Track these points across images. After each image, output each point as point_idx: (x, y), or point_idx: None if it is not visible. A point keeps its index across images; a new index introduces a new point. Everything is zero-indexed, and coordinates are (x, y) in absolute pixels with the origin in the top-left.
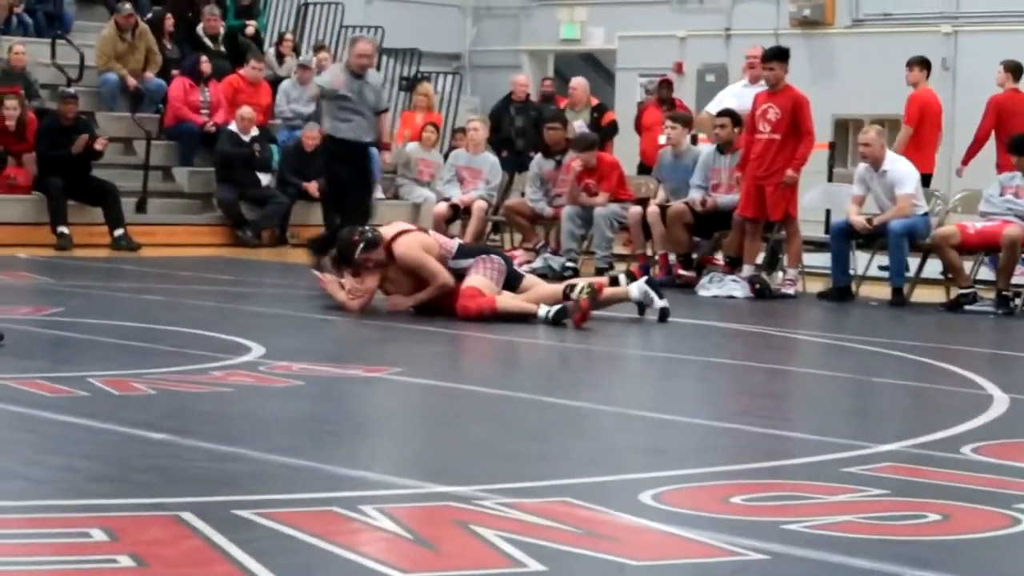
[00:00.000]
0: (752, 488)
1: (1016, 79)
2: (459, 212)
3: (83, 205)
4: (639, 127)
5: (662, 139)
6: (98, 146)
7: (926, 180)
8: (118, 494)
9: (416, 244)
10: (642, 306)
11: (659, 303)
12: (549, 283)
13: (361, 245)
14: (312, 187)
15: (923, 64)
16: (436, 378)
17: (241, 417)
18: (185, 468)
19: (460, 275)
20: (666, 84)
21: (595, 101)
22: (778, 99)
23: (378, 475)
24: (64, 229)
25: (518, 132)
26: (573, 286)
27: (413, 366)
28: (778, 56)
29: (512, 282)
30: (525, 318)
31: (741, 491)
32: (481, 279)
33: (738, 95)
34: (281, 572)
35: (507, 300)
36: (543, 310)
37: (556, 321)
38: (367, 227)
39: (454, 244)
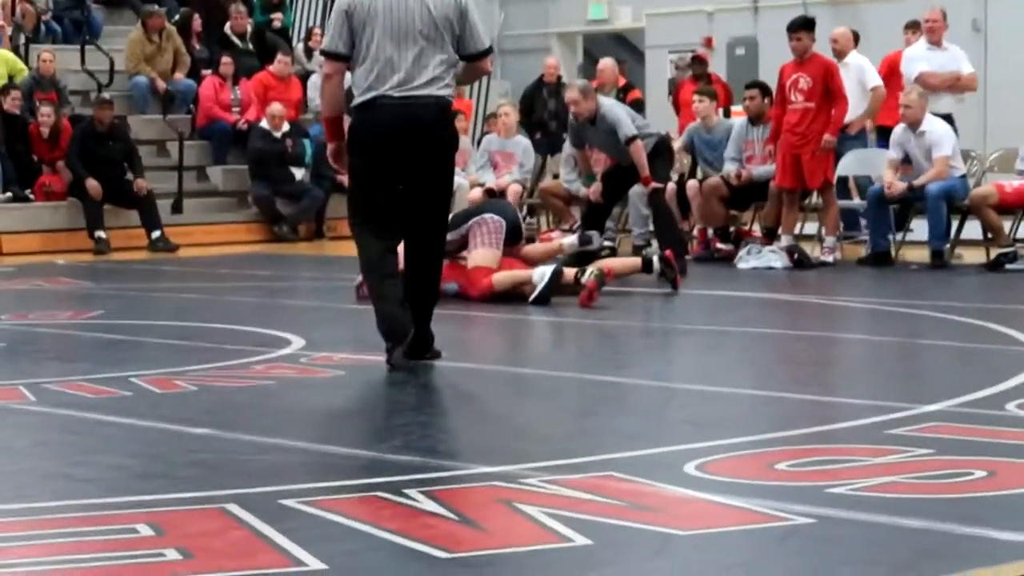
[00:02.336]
0: (796, 454)
1: None
2: (494, 197)
3: (119, 209)
4: (677, 105)
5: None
6: (138, 190)
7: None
8: (163, 489)
9: None
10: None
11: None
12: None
13: None
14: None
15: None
16: (476, 361)
17: (283, 409)
18: (229, 461)
19: (462, 245)
20: (699, 60)
21: (622, 81)
22: (807, 68)
23: (422, 458)
24: (101, 234)
25: (551, 115)
26: (584, 271)
27: (453, 350)
28: (804, 26)
29: (514, 238)
30: (524, 287)
31: (785, 457)
32: (483, 253)
33: (927, 58)
34: (328, 559)
35: (503, 278)
36: (535, 281)
37: (540, 301)
38: None
39: None
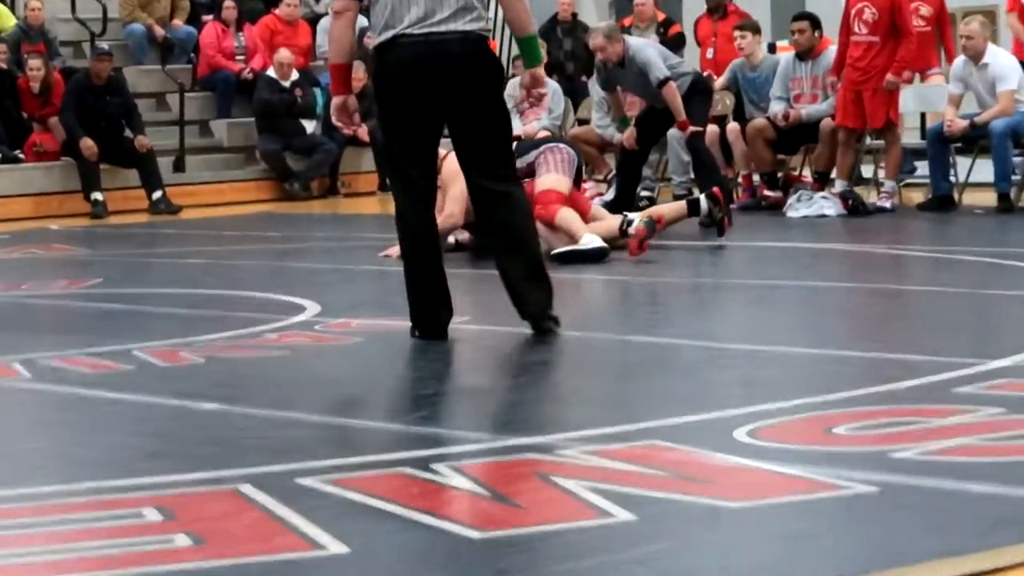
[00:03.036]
0: (856, 416)
1: None
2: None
3: (117, 168)
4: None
5: (710, 53)
6: (139, 148)
7: None
8: (171, 470)
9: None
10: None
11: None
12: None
13: None
14: (362, 131)
15: None
16: (506, 324)
17: (299, 380)
18: (242, 438)
19: (529, 172)
20: None
21: (661, 16)
22: None
23: (450, 431)
24: (98, 196)
25: (567, 55)
26: (631, 221)
27: (480, 313)
28: None
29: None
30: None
31: (844, 420)
32: (555, 177)
33: None
34: (350, 540)
35: (569, 218)
36: (585, 241)
37: (562, 259)
38: None
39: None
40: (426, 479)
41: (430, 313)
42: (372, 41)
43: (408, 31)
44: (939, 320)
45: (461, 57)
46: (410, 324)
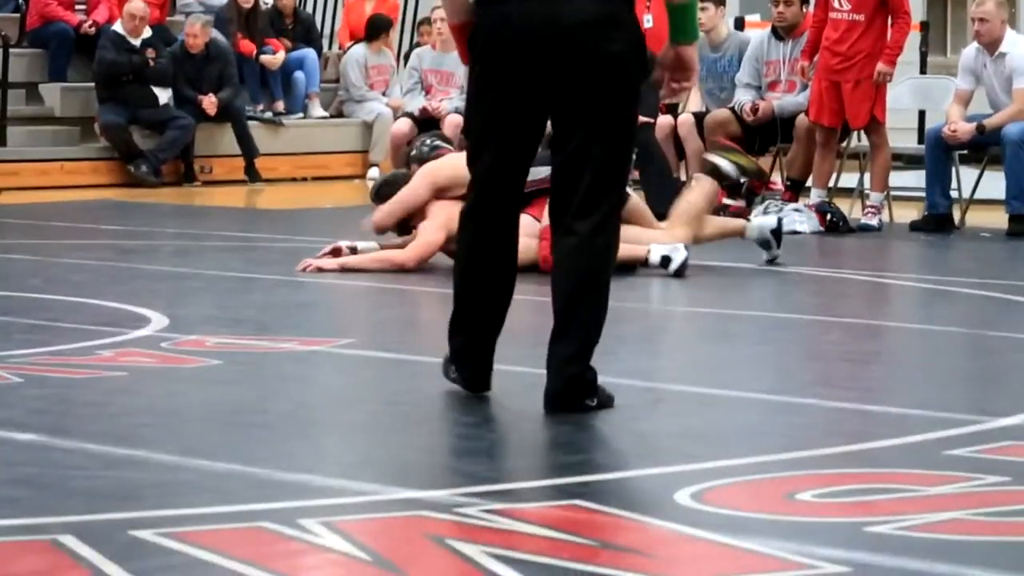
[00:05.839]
0: (826, 480)
1: None
2: (426, 129)
3: None
4: None
5: (648, 22)
6: None
7: None
8: None
9: (439, 167)
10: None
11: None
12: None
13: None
14: (208, 102)
15: None
16: (399, 350)
17: (139, 409)
18: (64, 478)
19: (542, 191)
20: None
21: None
22: None
23: (323, 478)
24: None
25: None
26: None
27: (368, 335)
28: None
29: None
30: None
31: (811, 484)
32: None
33: None
34: None
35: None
36: (657, 252)
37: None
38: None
39: None
40: (291, 536)
41: (483, 360)
42: None
43: None
44: (930, 366)
45: (589, 25)
46: (446, 360)
